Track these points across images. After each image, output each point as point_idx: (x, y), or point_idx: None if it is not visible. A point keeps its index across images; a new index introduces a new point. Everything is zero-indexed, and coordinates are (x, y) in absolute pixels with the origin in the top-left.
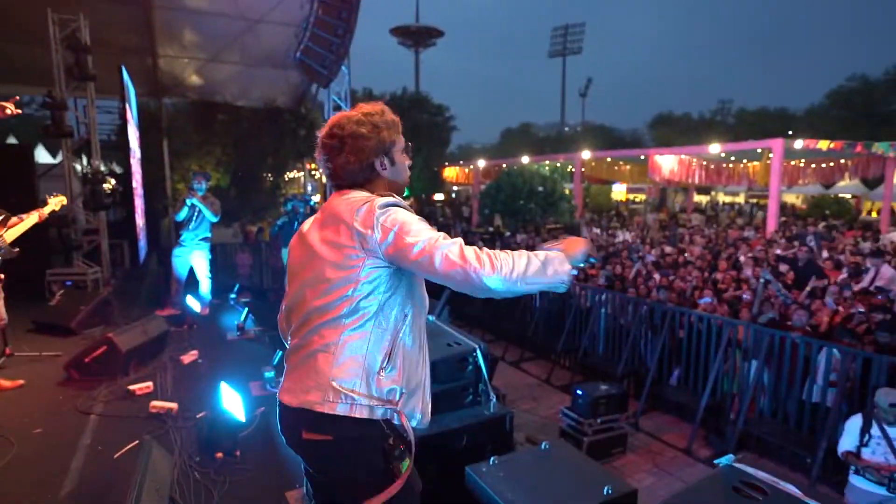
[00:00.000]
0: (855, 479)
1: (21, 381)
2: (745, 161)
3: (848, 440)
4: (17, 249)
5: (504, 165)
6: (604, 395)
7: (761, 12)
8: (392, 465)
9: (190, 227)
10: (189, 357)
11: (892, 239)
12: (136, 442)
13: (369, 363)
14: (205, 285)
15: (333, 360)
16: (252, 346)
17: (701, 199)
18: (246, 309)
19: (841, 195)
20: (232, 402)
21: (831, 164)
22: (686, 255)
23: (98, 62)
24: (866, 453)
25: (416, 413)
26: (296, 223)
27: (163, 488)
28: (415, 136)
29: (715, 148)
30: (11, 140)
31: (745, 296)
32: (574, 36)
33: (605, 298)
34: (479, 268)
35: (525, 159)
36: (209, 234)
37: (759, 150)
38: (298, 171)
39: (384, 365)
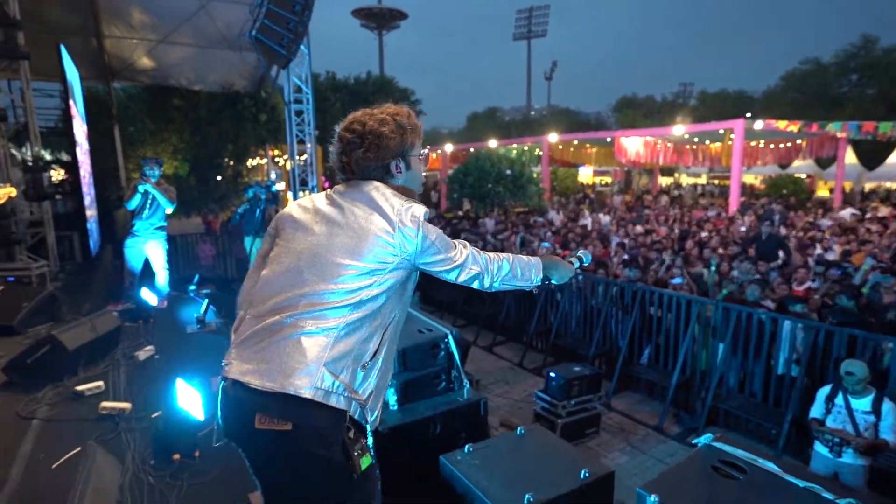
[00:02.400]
0: (816, 446)
1: None
2: (707, 142)
3: (816, 408)
4: None
5: (472, 150)
6: (577, 376)
7: None
8: (352, 461)
9: (143, 215)
10: (144, 353)
11: (846, 217)
12: (78, 449)
13: (357, 355)
14: (161, 277)
15: (326, 345)
16: (213, 340)
17: (665, 180)
18: (206, 300)
19: (796, 175)
20: (189, 399)
21: (788, 144)
22: (653, 235)
23: (34, 41)
24: (829, 420)
25: (375, 413)
26: (258, 210)
27: (109, 497)
28: None
29: (679, 129)
30: None
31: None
32: (539, 18)
33: (575, 280)
34: (485, 277)
35: (492, 143)
36: (165, 223)
37: (720, 131)
38: (261, 158)
39: (368, 361)
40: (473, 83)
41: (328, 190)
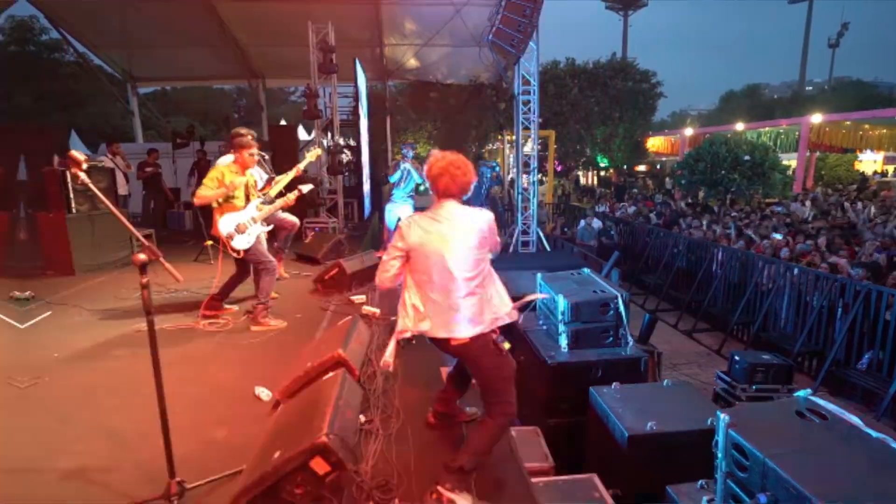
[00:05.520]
0: None
1: None
2: None
3: None
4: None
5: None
6: (762, 363)
7: None
8: (498, 346)
9: (401, 186)
10: None
11: None
12: (350, 317)
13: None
14: None
15: None
16: None
17: None
18: None
19: None
20: None
21: None
22: None
23: (339, 56)
24: None
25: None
26: (483, 187)
27: (363, 345)
28: (615, 105)
29: None
30: (283, 122)
31: None
32: None
33: (789, 273)
34: None
35: (739, 126)
36: (413, 193)
37: None
38: (500, 143)
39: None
40: (732, 58)
41: None
